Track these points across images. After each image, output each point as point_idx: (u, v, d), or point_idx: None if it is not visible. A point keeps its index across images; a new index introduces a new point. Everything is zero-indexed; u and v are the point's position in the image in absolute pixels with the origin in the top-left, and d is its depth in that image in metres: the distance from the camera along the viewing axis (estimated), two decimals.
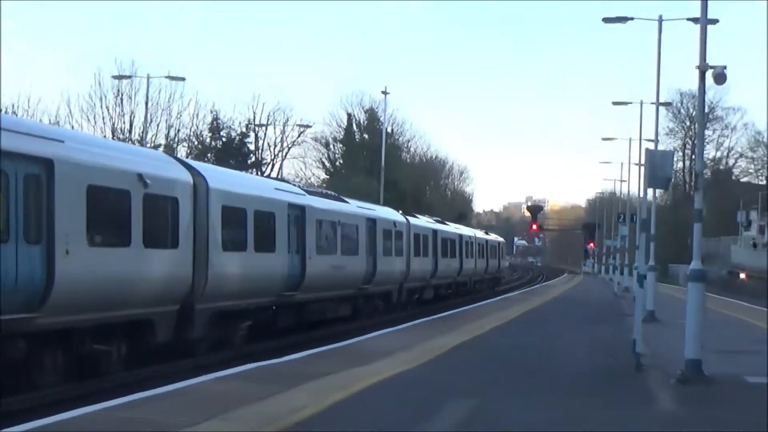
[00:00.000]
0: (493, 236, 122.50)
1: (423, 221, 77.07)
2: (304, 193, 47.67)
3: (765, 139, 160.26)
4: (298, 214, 43.09)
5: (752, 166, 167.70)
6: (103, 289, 26.49)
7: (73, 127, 73.68)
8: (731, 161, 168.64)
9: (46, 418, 17.18)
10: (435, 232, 77.70)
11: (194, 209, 32.26)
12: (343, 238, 50.55)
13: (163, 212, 30.52)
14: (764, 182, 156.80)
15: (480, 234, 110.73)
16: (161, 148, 78.93)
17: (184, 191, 31.82)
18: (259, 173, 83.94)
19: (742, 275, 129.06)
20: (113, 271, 27.10)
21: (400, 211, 70.83)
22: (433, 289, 77.44)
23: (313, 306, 45.78)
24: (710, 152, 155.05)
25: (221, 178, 37.82)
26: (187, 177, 32.64)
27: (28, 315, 23.16)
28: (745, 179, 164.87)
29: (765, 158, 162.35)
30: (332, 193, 58.06)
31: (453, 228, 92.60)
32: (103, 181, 26.97)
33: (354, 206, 56.50)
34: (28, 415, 18.38)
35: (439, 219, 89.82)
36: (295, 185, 51.04)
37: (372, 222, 57.12)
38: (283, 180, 58.05)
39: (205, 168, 38.31)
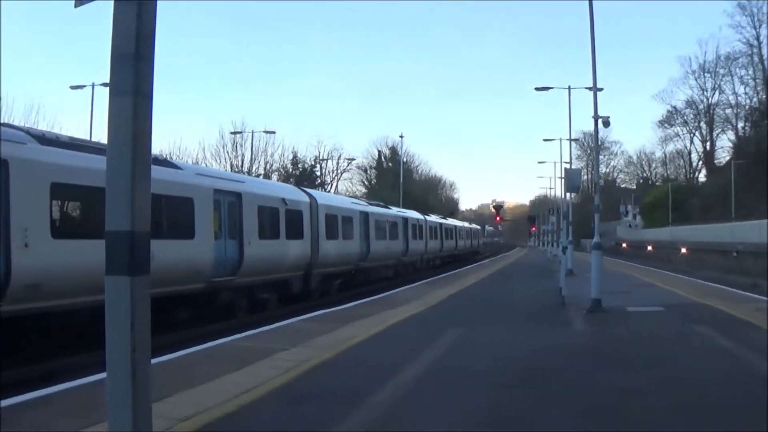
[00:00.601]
0: (474, 225, 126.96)
1: (434, 218, 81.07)
2: (367, 204, 53.12)
3: (634, 161, 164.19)
4: (365, 217, 48.33)
5: (627, 178, 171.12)
6: (266, 263, 31.45)
7: (206, 164, 74.17)
8: (615, 174, 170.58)
9: (199, 345, 17.50)
10: (441, 224, 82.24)
11: (310, 217, 37.19)
12: (389, 230, 54.99)
13: (295, 219, 35.34)
14: (634, 187, 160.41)
15: (467, 224, 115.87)
16: (261, 176, 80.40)
17: (305, 206, 36.97)
18: (323, 191, 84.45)
19: (624, 245, 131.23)
20: (271, 253, 31.99)
21: (420, 212, 73.91)
22: (441, 259, 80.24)
23: (373, 270, 50.51)
24: (602, 169, 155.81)
25: (324, 198, 43.27)
26: (306, 198, 37.98)
27: (230, 278, 28.23)
28: (623, 185, 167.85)
29: (634, 173, 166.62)
30: (382, 203, 61.30)
31: (451, 221, 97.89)
32: (266, 203, 32.15)
33: (394, 211, 61.10)
34: (206, 339, 19.14)
35: (443, 216, 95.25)
36: (363, 201, 56.92)
37: (405, 220, 60.97)
38: (354, 197, 67.38)
39: (315, 192, 43.58)
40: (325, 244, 38.60)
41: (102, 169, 12.72)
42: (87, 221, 20.13)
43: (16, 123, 50.17)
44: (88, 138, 43.26)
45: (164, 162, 26.87)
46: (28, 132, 19.66)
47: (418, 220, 67.43)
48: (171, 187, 24.11)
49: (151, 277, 15.60)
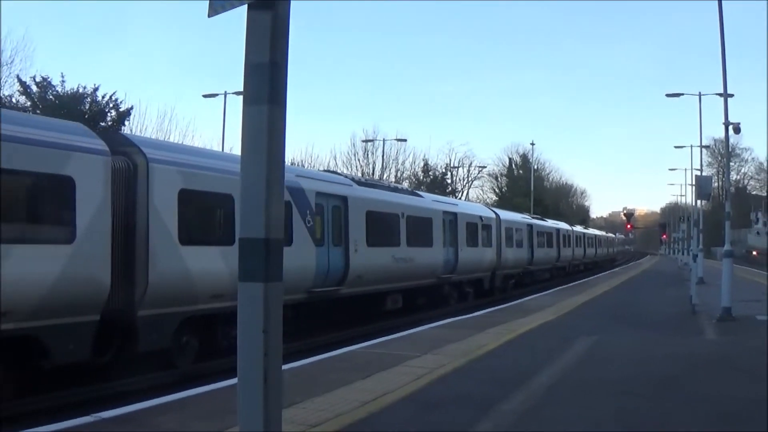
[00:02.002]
0: (610, 234, 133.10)
1: (579, 229, 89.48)
2: (530, 218, 61.32)
3: (765, 167, 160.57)
4: (531, 229, 56.03)
5: (758, 184, 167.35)
6: (471, 265, 39.58)
7: (336, 172, 74.33)
8: (745, 181, 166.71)
9: (332, 352, 17.70)
10: (584, 234, 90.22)
11: (496, 229, 45.61)
12: (547, 240, 62.63)
13: (488, 231, 43.56)
14: (764, 194, 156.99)
15: (603, 233, 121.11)
16: (392, 183, 79.79)
17: (493, 221, 45.60)
18: (454, 198, 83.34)
19: (754, 252, 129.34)
20: (474, 257, 40.33)
21: (567, 223, 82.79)
22: (584, 264, 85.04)
23: (536, 273, 57.78)
24: (733, 176, 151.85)
25: (504, 214, 51.36)
26: (493, 215, 46.81)
27: (450, 275, 36.70)
28: (754, 192, 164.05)
29: (765, 180, 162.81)
30: (539, 216, 70.74)
31: (592, 231, 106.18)
32: (470, 220, 40.82)
33: (550, 223, 68.45)
34: (338, 346, 19.43)
35: (584, 226, 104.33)
36: (527, 215, 63.70)
37: (558, 230, 68.25)
38: (526, 212, 69.91)
39: (498, 210, 51.87)
40: (505, 251, 47.26)
41: (388, 200, 30.32)
42: (382, 236, 29.42)
43: (149, 130, 51.96)
44: (221, 147, 45.39)
45: (413, 192, 38.36)
46: (351, 178, 31.75)
47: (567, 230, 75.02)
48: (422, 211, 34.10)
49: (409, 274, 31.78)
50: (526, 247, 53.94)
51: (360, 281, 26.79)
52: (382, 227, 29.48)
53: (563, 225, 75.26)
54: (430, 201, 36.91)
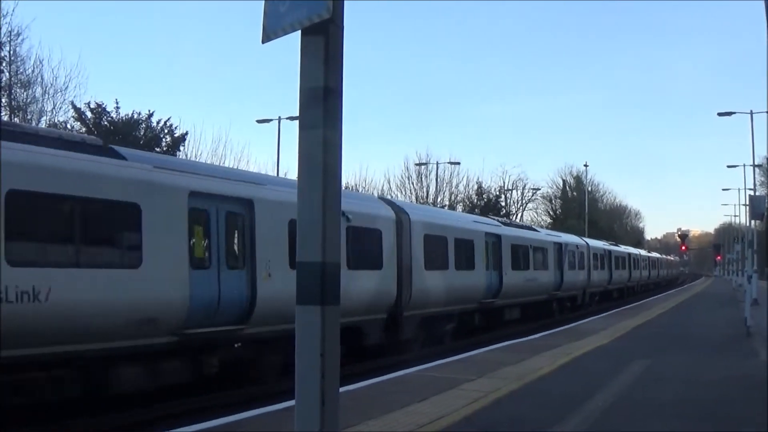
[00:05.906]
0: (672, 258, 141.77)
1: (645, 253, 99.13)
2: (609, 244, 69.58)
3: None
4: (609, 254, 64.81)
5: None
6: (572, 284, 49.57)
7: (391, 195, 73.68)
8: None
9: (386, 375, 17.74)
10: (650, 258, 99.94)
11: (587, 255, 55.49)
12: (622, 263, 71.47)
13: (581, 257, 54.10)
14: None
15: (665, 257, 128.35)
16: (446, 207, 79.43)
17: (585, 248, 55.28)
18: (509, 219, 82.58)
19: None
20: (574, 278, 50.48)
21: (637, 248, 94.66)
22: (654, 284, 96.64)
23: (614, 291, 67.95)
24: None
25: (592, 242, 60.86)
26: (585, 243, 56.77)
27: (556, 292, 45.32)
28: None
29: None
30: (614, 242, 78.32)
31: (656, 255, 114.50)
32: (573, 249, 50.81)
33: (621, 248, 77.05)
34: (392, 369, 19.12)
35: (645, 249, 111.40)
36: (606, 243, 70.29)
37: (629, 255, 77.75)
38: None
39: (587, 239, 61.21)
40: (593, 272, 56.80)
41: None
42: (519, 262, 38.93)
43: (204, 155, 52.69)
44: (276, 171, 45.71)
45: (534, 229, 48.90)
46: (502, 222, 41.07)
47: (637, 254, 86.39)
48: (538, 243, 42.81)
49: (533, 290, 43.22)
50: (607, 270, 64.10)
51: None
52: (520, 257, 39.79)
53: (633, 250, 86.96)
54: (544, 234, 48.36)
